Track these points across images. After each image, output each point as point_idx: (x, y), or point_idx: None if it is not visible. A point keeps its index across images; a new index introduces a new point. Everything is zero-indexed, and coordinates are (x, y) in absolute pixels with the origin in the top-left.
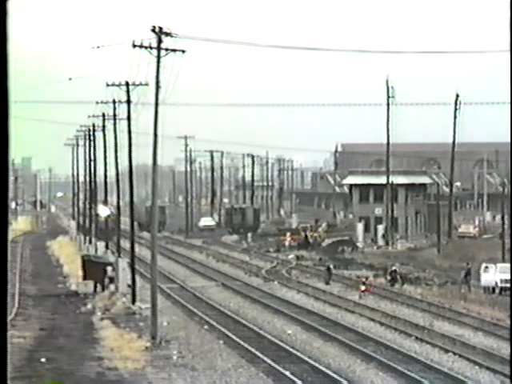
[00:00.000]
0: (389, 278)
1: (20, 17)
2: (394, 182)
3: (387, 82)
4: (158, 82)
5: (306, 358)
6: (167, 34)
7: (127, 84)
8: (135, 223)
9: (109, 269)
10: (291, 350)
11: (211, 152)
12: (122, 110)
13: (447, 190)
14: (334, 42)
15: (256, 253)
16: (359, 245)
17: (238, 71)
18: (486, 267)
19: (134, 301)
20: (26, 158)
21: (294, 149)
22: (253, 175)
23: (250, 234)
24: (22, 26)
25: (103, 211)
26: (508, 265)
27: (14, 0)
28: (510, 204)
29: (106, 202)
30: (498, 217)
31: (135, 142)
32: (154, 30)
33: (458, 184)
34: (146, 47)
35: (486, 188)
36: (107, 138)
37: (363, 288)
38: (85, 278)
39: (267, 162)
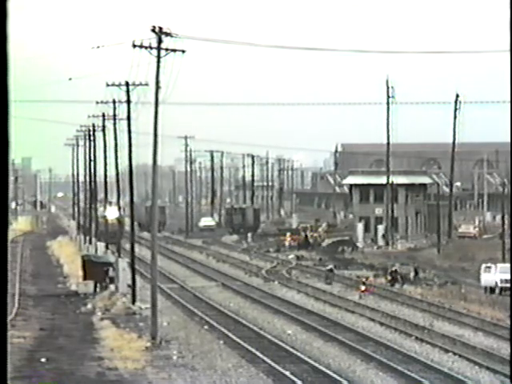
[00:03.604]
0: (389, 278)
1: (20, 16)
2: (394, 182)
3: (387, 81)
4: (157, 82)
5: (306, 358)
6: (167, 34)
7: (127, 84)
8: (135, 223)
9: (109, 269)
10: (291, 350)
11: (211, 152)
12: (121, 110)
13: (447, 189)
14: (333, 42)
15: (256, 253)
16: (359, 245)
17: (238, 71)
18: (487, 267)
19: (134, 301)
20: (26, 158)
21: (293, 149)
22: (253, 175)
23: (250, 234)
24: (22, 25)
25: (111, 213)
26: (508, 265)
27: (14, 0)
28: (510, 204)
29: (116, 203)
30: (498, 217)
31: (135, 142)
32: (154, 30)
33: (458, 184)
34: (146, 47)
35: (486, 188)
36: (107, 138)
37: (363, 288)
38: (85, 278)
39: (267, 162)
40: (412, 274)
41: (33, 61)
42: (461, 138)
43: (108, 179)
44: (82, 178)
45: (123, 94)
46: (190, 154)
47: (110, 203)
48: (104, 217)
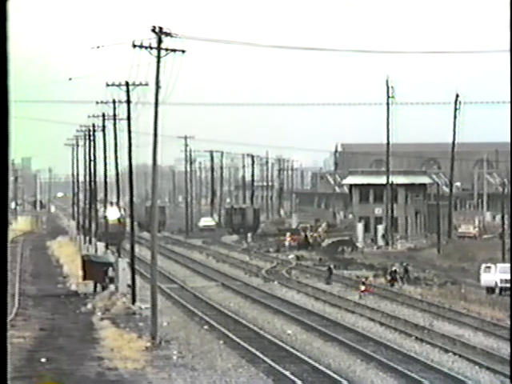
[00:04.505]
0: (389, 278)
1: (20, 16)
2: (394, 182)
3: (387, 82)
4: (157, 82)
5: (306, 358)
6: (167, 34)
7: (127, 84)
8: (135, 223)
9: (109, 269)
10: (291, 350)
11: (211, 152)
12: (122, 110)
13: (447, 189)
14: (334, 42)
15: (256, 253)
16: (359, 245)
17: (238, 71)
18: (486, 267)
19: (133, 301)
20: (26, 158)
21: (293, 149)
22: (253, 175)
23: (249, 234)
24: (22, 25)
25: (112, 213)
26: (508, 265)
27: (14, 0)
28: (510, 204)
29: (116, 203)
30: (498, 217)
31: (135, 142)
32: (154, 30)
33: (458, 184)
34: (146, 47)
35: (486, 188)
36: (107, 137)
37: (363, 288)
38: (85, 278)
39: (267, 162)
40: (402, 273)
41: (33, 61)
42: (461, 138)
43: (108, 179)
44: (81, 178)
45: (123, 94)
46: (190, 154)
47: (111, 203)
48: (105, 217)
